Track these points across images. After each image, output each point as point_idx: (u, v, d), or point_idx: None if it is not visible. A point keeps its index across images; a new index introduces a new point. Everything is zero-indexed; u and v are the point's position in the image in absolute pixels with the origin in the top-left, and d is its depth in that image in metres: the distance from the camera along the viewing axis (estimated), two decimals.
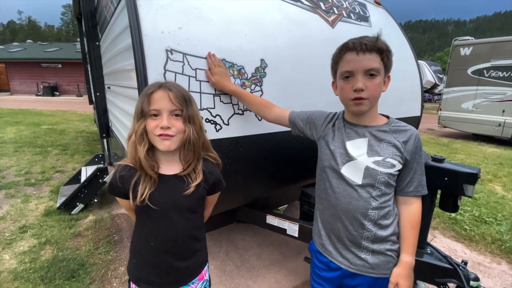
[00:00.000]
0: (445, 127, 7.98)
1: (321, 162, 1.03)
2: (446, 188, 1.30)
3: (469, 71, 7.18)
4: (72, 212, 2.76)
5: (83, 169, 3.40)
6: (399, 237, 0.98)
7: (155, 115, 0.80)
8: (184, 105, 0.82)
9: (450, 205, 1.34)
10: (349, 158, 0.94)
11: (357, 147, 0.94)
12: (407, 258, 0.97)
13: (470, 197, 1.27)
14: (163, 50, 1.05)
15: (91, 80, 3.03)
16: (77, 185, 2.89)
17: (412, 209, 0.98)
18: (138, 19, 1.01)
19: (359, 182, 0.93)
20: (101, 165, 3.10)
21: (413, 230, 0.97)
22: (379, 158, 0.91)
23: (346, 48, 0.90)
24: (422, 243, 1.43)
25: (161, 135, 0.79)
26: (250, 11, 1.40)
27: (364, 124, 0.96)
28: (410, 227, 0.97)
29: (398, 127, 0.96)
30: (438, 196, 1.40)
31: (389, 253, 0.97)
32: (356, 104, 0.90)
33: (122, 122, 1.77)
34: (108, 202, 3.18)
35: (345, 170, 0.95)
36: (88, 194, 2.84)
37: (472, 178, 1.22)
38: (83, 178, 3.10)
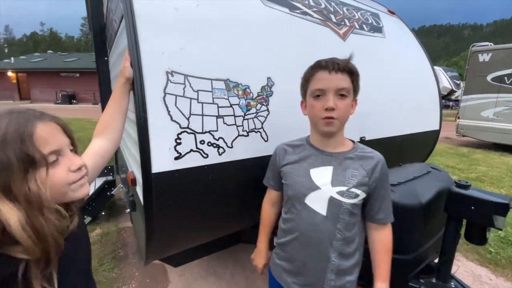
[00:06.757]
0: (463, 136, 7.65)
1: (286, 191, 0.99)
2: (472, 218, 1.18)
3: (489, 78, 6.88)
4: None
5: None
6: (368, 266, 0.98)
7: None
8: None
9: (477, 237, 1.21)
10: (313, 187, 0.91)
11: (321, 175, 0.91)
12: (382, 285, 0.95)
13: (500, 229, 1.14)
14: (163, 72, 1.00)
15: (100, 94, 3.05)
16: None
17: (384, 235, 0.96)
18: (137, 40, 0.96)
19: (324, 213, 0.90)
20: (110, 178, 3.09)
21: (386, 255, 0.96)
22: (344, 188, 0.89)
23: (318, 66, 0.90)
24: (446, 276, 1.29)
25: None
26: (256, 27, 1.34)
27: (330, 150, 0.94)
28: (384, 252, 0.96)
29: (365, 153, 0.93)
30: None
31: (348, 285, 0.95)
32: (327, 123, 0.88)
33: (126, 140, 1.73)
34: (115, 214, 3.17)
35: (309, 200, 0.92)
36: (95, 207, 2.83)
37: (503, 208, 1.10)
38: (91, 190, 3.10)
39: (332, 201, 0.89)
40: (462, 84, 8.99)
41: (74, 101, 21.89)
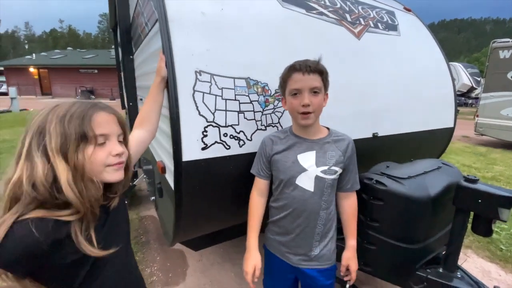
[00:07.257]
0: (482, 134, 7.45)
1: (278, 176, 1.14)
2: (479, 210, 1.24)
3: (509, 75, 6.66)
4: None
5: None
6: (341, 228, 1.22)
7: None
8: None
9: (483, 229, 1.26)
10: (302, 169, 1.08)
11: (307, 159, 1.09)
12: (353, 242, 1.19)
13: (504, 221, 1.19)
14: (192, 72, 1.11)
15: (124, 90, 3.23)
16: None
17: (351, 201, 1.20)
18: (170, 43, 1.08)
19: (312, 190, 1.08)
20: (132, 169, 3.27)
21: (354, 217, 1.21)
22: (326, 168, 1.08)
23: (293, 69, 1.06)
24: (452, 266, 1.36)
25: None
26: (274, 28, 1.43)
27: (311, 138, 1.12)
28: (352, 215, 1.20)
29: (338, 137, 1.14)
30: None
31: (329, 244, 1.16)
32: (304, 118, 1.05)
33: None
34: (136, 203, 3.36)
35: (299, 181, 1.09)
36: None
37: (508, 201, 1.15)
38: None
39: (317, 179, 1.08)
40: (482, 81, 8.70)
41: (93, 96, 22.59)
